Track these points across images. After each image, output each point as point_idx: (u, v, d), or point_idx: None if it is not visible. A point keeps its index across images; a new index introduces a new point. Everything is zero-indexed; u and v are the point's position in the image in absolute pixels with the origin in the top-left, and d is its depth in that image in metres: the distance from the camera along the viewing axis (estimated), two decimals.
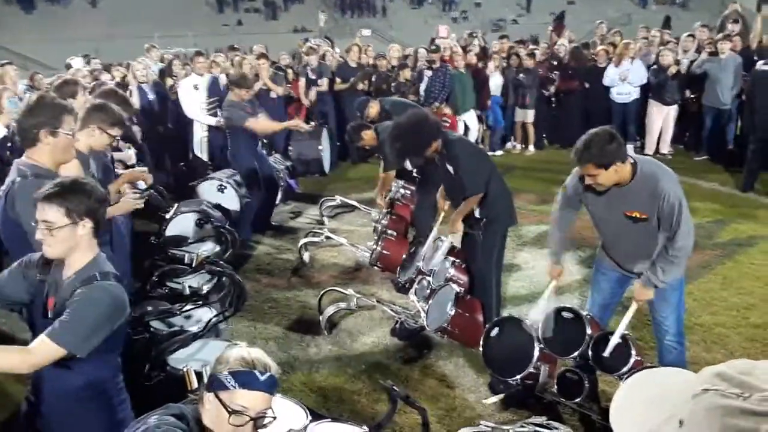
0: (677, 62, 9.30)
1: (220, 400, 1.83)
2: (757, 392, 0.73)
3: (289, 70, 9.89)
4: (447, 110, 9.32)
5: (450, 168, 4.30)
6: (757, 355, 4.32)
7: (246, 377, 1.84)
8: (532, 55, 10.01)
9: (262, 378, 1.85)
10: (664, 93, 9.26)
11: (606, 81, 9.60)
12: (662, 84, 9.22)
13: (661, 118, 9.49)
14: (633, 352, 3.50)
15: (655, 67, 9.41)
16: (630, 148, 9.65)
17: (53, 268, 2.40)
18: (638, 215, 3.30)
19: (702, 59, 9.00)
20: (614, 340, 3.50)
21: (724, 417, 0.72)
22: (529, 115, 10.16)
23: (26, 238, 2.69)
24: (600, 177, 3.21)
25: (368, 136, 5.91)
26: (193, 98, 7.94)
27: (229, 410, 1.82)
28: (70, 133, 2.96)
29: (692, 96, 9.45)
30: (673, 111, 9.43)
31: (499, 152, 10.10)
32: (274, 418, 1.90)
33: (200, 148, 8.06)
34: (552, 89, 10.11)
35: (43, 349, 2.20)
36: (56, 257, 2.36)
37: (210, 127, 8.07)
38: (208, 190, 6.65)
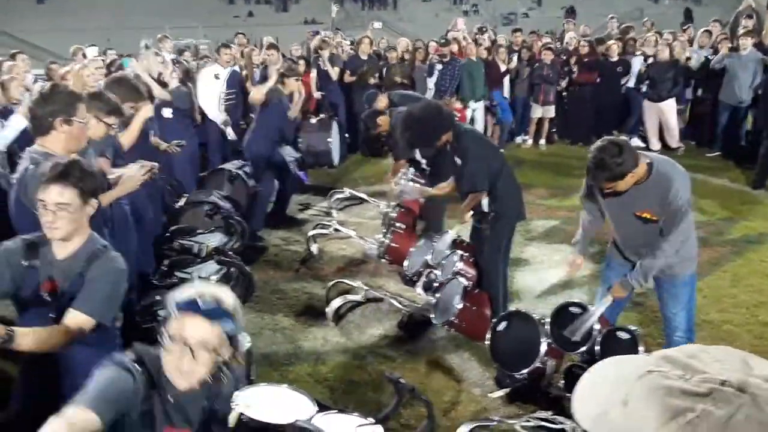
0: (688, 59, 9.23)
1: (165, 331, 1.80)
2: (699, 374, 0.75)
3: (301, 62, 9.87)
4: (457, 104, 9.30)
5: (458, 160, 4.28)
6: (765, 353, 4.30)
7: (186, 303, 1.80)
8: (550, 49, 9.90)
9: (203, 305, 1.79)
10: (656, 89, 9.14)
11: (635, 69, 9.49)
12: (654, 80, 9.13)
13: (655, 114, 9.38)
14: (641, 348, 3.49)
15: (650, 61, 9.33)
16: (638, 141, 9.67)
17: (42, 251, 2.42)
18: (648, 216, 3.28)
19: (722, 54, 8.86)
20: (591, 321, 3.52)
21: (665, 397, 0.74)
22: (550, 111, 10.07)
23: (39, 224, 2.70)
24: (618, 186, 3.20)
25: (384, 121, 5.99)
26: (212, 88, 7.90)
27: (167, 336, 1.78)
28: (83, 121, 2.99)
29: (703, 96, 9.40)
30: (668, 106, 9.26)
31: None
32: (224, 359, 1.84)
33: (229, 132, 8.05)
34: (563, 83, 10.05)
35: (77, 322, 2.29)
36: (61, 238, 2.39)
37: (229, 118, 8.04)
38: (218, 181, 6.67)
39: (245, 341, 3.60)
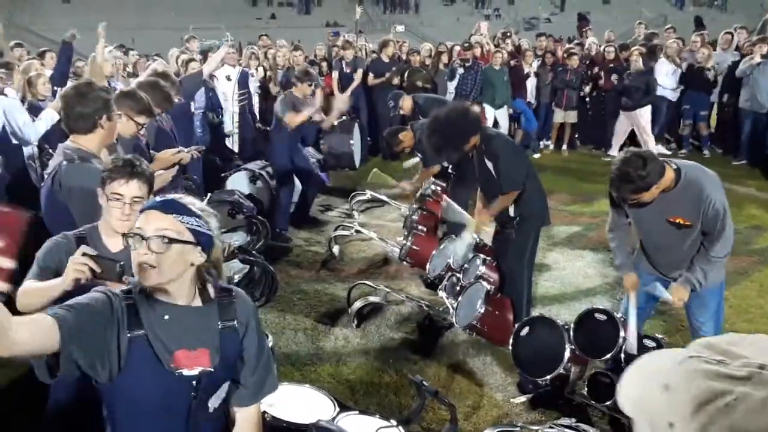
0: (709, 68, 9.11)
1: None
2: (738, 359, 0.77)
3: (323, 63, 9.91)
4: (475, 108, 9.26)
5: (489, 164, 4.26)
6: None
7: (146, 205, 1.84)
8: (574, 54, 9.85)
9: (159, 200, 1.82)
10: (631, 98, 9.13)
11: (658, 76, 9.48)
12: (628, 89, 9.11)
13: (627, 123, 9.36)
14: None
15: (627, 72, 9.31)
16: (662, 148, 9.58)
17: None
18: (682, 221, 3.23)
19: (756, 62, 8.72)
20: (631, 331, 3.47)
21: (704, 380, 0.76)
22: (572, 116, 10.00)
23: (71, 220, 2.73)
24: (643, 197, 3.15)
25: (406, 137, 5.92)
26: (226, 89, 8.01)
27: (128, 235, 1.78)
28: (119, 115, 3.05)
29: (728, 103, 9.31)
30: (640, 115, 9.21)
31: (536, 155, 9.95)
32: (196, 262, 1.80)
33: (231, 140, 8.13)
34: (587, 89, 9.98)
35: None
36: (126, 230, 2.44)
37: (240, 120, 8.14)
38: (240, 181, 6.71)
39: (269, 340, 3.62)
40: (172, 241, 1.73)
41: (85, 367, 1.66)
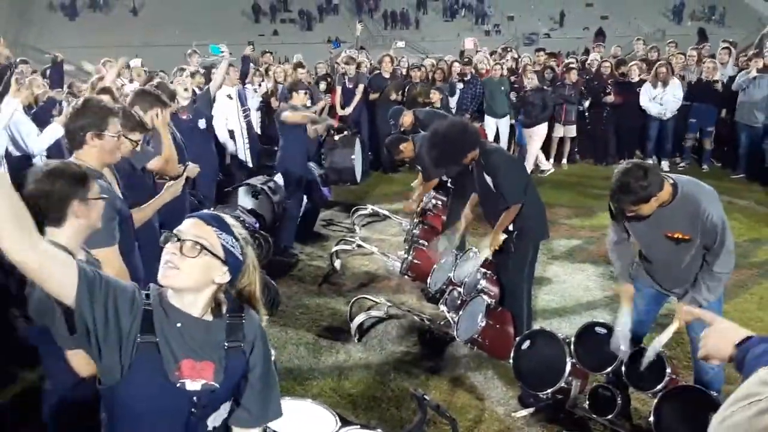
0: (714, 81, 9.15)
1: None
2: None
3: (328, 79, 10.01)
4: (475, 123, 9.35)
5: (488, 178, 4.30)
6: None
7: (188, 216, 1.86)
8: (572, 69, 9.91)
9: (202, 213, 1.85)
10: (528, 115, 9.17)
11: (642, 101, 9.50)
12: (525, 106, 9.17)
13: (534, 138, 9.38)
14: (668, 370, 3.46)
15: (525, 89, 9.35)
16: (665, 164, 9.61)
17: None
18: (680, 236, 3.24)
19: (752, 76, 8.76)
20: (650, 354, 3.46)
21: (753, 384, 0.80)
22: (571, 131, 10.04)
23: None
24: (642, 209, 3.17)
25: (407, 148, 5.97)
26: (229, 108, 8.06)
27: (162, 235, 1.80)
28: (115, 135, 3.05)
29: (726, 117, 9.36)
30: (536, 132, 9.27)
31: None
32: (218, 280, 1.79)
33: (244, 154, 8.19)
34: (586, 104, 10.04)
35: None
36: None
37: (249, 134, 8.20)
38: (243, 196, 6.75)
39: (272, 354, 3.64)
40: (204, 249, 1.75)
41: (99, 329, 1.67)
